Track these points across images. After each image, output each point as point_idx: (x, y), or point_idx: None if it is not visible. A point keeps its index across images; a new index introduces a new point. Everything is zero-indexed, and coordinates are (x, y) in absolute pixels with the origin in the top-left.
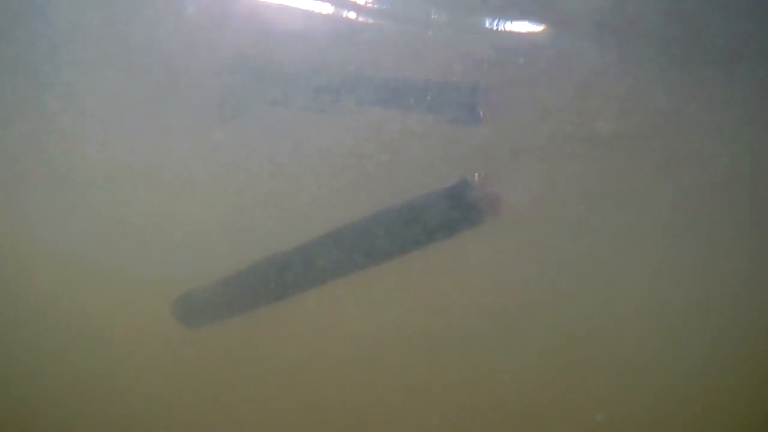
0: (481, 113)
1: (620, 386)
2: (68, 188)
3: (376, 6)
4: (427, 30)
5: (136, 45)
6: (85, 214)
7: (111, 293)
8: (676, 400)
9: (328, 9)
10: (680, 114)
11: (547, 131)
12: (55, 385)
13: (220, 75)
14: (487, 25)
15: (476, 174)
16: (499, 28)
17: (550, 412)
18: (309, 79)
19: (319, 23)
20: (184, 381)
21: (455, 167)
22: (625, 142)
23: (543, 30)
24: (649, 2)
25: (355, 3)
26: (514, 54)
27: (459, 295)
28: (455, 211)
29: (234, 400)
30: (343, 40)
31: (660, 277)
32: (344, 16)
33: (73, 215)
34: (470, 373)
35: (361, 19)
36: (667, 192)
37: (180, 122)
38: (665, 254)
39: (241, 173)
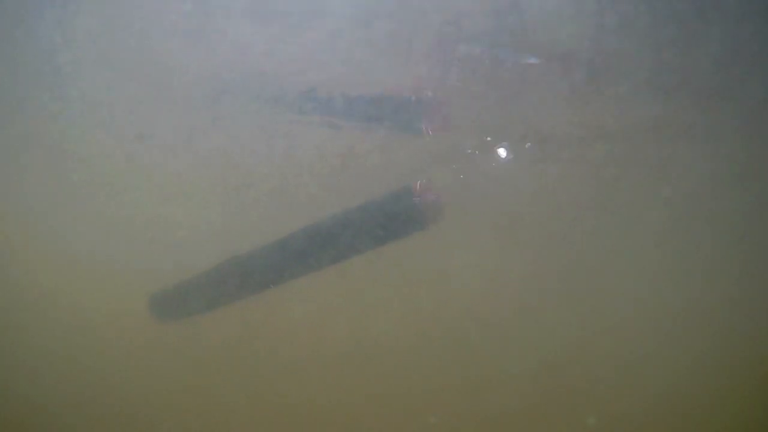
0: (423, 124)
1: (610, 391)
2: (51, 186)
3: (324, 21)
4: (374, 45)
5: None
6: (68, 211)
7: (91, 288)
8: (668, 408)
9: (285, 25)
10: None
11: (487, 141)
12: (32, 375)
13: (199, 88)
14: (430, 42)
15: (418, 182)
16: (442, 45)
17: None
18: (264, 92)
19: (274, 39)
20: (161, 375)
21: (398, 174)
22: (568, 151)
23: (483, 46)
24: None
25: (303, 21)
26: (455, 68)
27: (406, 297)
28: (398, 217)
29: (209, 393)
30: (296, 54)
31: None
32: (297, 32)
33: (57, 212)
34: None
35: (313, 34)
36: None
37: (162, 125)
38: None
39: (215, 175)
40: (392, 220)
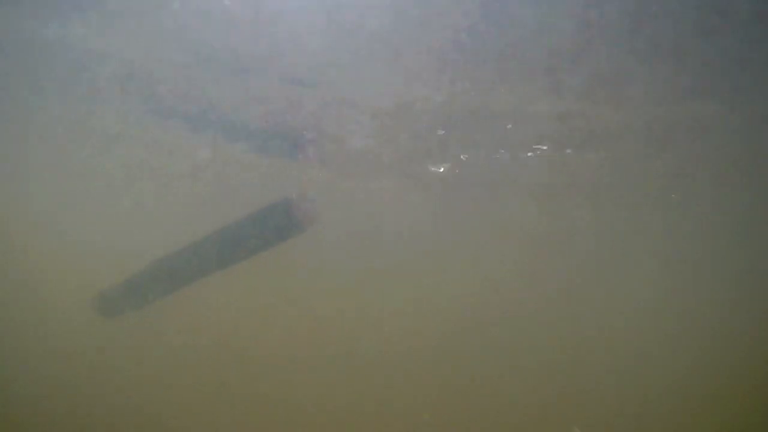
0: (303, 154)
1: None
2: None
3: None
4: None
5: None
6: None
7: (38, 289)
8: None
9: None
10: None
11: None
12: None
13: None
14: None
15: (298, 194)
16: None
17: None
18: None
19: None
20: (98, 365)
21: (286, 189)
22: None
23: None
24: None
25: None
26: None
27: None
28: (283, 223)
29: (142, 380)
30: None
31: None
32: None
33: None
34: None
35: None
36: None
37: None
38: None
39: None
40: (276, 226)
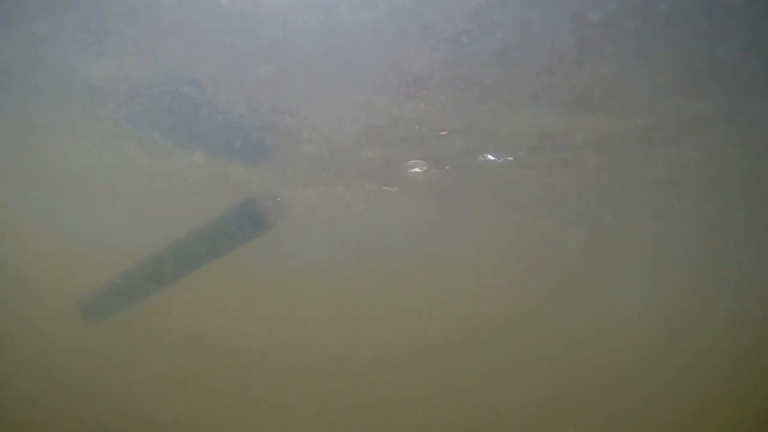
0: (260, 157)
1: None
2: None
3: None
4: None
5: None
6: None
7: (26, 295)
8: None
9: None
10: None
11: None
12: None
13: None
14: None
15: (258, 196)
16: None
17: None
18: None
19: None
20: (84, 366)
21: (245, 191)
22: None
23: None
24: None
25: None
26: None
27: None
28: (248, 222)
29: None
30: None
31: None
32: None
33: None
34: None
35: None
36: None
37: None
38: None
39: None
40: (241, 225)
